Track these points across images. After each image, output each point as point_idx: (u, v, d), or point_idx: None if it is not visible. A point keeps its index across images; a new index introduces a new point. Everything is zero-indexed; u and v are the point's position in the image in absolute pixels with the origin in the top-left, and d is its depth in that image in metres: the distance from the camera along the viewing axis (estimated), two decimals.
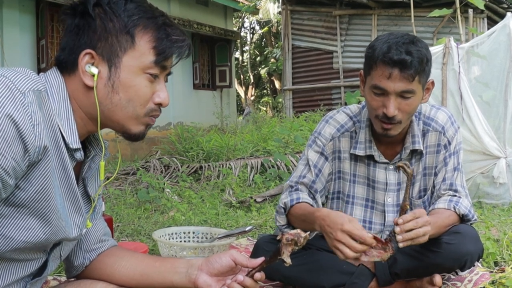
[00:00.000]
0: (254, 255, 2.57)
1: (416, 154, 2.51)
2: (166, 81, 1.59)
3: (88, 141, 1.61)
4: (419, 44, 2.26)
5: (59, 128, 1.40)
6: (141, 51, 1.47)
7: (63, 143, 1.42)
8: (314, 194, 2.54)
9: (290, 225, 2.49)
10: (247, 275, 1.64)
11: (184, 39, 1.54)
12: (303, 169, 2.58)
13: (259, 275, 1.63)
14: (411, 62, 2.18)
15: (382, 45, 2.25)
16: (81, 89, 1.47)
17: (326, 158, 2.56)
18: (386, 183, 2.51)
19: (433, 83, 2.40)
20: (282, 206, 2.50)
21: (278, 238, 1.68)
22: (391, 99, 2.23)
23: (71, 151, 1.45)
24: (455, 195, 2.45)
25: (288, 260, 1.63)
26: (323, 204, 2.62)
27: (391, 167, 2.50)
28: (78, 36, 1.45)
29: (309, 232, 1.68)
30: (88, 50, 1.44)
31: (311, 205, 2.45)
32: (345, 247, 1.98)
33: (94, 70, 1.44)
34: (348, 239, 1.97)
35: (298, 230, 1.65)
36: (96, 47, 1.45)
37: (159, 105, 1.54)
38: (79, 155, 1.48)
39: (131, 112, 1.49)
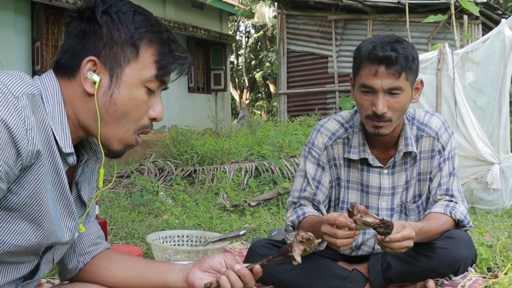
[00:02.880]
0: (248, 259, 2.57)
1: (410, 158, 2.51)
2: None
3: (81, 145, 1.60)
4: (405, 43, 2.30)
5: (53, 132, 1.40)
6: (143, 64, 1.47)
7: (56, 147, 1.41)
8: (317, 206, 2.55)
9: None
10: (246, 267, 1.62)
11: (186, 56, 1.54)
12: (303, 183, 2.58)
13: (258, 268, 1.62)
14: (397, 58, 2.22)
15: (368, 45, 2.30)
16: (79, 95, 1.46)
17: (323, 168, 2.56)
18: (380, 187, 2.51)
19: (422, 82, 2.44)
20: (290, 224, 2.51)
21: (290, 235, 1.65)
22: (379, 97, 2.26)
23: (63, 155, 1.45)
24: (452, 200, 2.46)
25: (298, 259, 1.60)
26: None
27: (385, 171, 2.50)
28: (83, 41, 1.44)
29: (320, 240, 1.68)
30: (92, 57, 1.43)
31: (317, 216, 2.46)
32: (330, 237, 2.01)
33: (96, 77, 1.43)
34: (329, 228, 2.02)
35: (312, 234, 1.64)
36: (100, 55, 1.44)
37: (153, 120, 1.54)
38: (72, 159, 1.47)
39: (122, 126, 1.49)
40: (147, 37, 1.47)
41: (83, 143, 1.61)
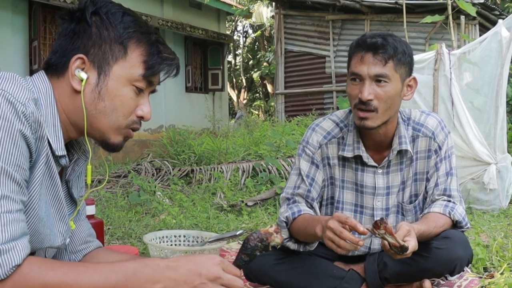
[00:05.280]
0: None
1: (406, 158, 2.51)
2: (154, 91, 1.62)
3: (70, 145, 1.63)
4: (398, 39, 2.35)
5: (47, 135, 1.43)
6: (131, 63, 1.50)
7: (49, 150, 1.44)
8: (311, 203, 2.54)
9: (292, 237, 2.49)
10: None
11: (174, 58, 1.58)
12: (297, 180, 2.58)
13: None
14: (383, 45, 2.26)
15: (360, 37, 2.37)
16: (68, 93, 1.49)
17: (317, 166, 2.56)
18: (375, 187, 2.51)
19: (415, 80, 2.44)
20: (284, 220, 2.48)
21: (282, 231, 1.63)
22: (366, 84, 2.28)
23: (56, 157, 1.48)
24: (450, 200, 2.46)
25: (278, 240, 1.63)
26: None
27: (380, 171, 2.50)
28: (72, 40, 1.48)
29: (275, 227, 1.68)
30: (80, 55, 1.47)
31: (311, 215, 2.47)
32: (335, 235, 2.00)
33: (83, 75, 1.47)
34: (337, 225, 2.00)
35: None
36: (89, 53, 1.48)
37: (141, 118, 1.57)
38: (64, 161, 1.51)
39: (114, 121, 1.52)
40: (135, 37, 1.51)
41: (73, 143, 1.64)
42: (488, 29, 9.70)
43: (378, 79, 2.27)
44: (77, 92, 1.48)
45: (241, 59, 29.19)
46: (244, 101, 28.78)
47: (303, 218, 2.42)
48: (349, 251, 2.02)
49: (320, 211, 2.61)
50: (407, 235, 2.03)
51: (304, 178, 2.55)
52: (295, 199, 2.55)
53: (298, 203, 2.53)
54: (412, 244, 2.02)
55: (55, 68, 1.50)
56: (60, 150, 1.47)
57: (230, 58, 27.49)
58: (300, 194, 2.54)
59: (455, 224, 2.44)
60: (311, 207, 2.53)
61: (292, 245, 2.49)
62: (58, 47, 1.50)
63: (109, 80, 1.48)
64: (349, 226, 1.98)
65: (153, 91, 1.61)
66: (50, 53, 1.53)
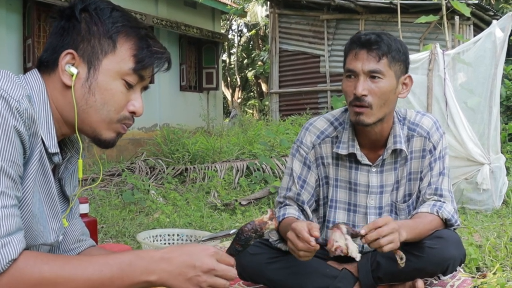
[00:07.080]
0: (238, 258, 2.57)
1: (400, 158, 2.52)
2: (147, 88, 1.63)
3: (63, 143, 1.63)
4: (393, 37, 2.38)
5: (40, 132, 1.43)
6: (121, 57, 1.51)
7: (43, 147, 1.45)
8: (302, 205, 2.58)
9: (283, 239, 2.50)
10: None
11: (164, 52, 1.58)
12: (289, 181, 2.62)
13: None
14: (377, 42, 2.30)
15: (355, 34, 2.41)
16: (59, 89, 1.50)
17: (310, 167, 2.58)
18: (368, 185, 2.53)
19: (410, 78, 2.46)
20: None
21: (271, 234, 1.68)
22: (360, 79, 2.31)
23: (49, 155, 1.48)
24: (440, 200, 2.47)
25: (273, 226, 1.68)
26: (315, 211, 2.65)
27: (374, 169, 2.51)
28: (62, 37, 1.50)
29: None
30: (70, 50, 1.48)
31: (296, 218, 2.50)
32: (293, 245, 2.11)
33: (74, 70, 1.48)
34: (294, 237, 2.11)
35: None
36: (78, 48, 1.49)
37: (133, 113, 1.57)
38: (57, 158, 1.52)
39: (105, 116, 1.52)
40: (124, 31, 1.52)
41: (66, 141, 1.64)
42: (482, 29, 9.73)
43: (372, 75, 2.29)
44: (68, 87, 1.49)
45: (235, 58, 29.16)
46: (239, 100, 28.77)
47: (285, 221, 2.48)
48: (309, 258, 2.15)
49: (318, 211, 2.63)
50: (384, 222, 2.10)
51: (296, 180, 2.58)
52: (286, 202, 2.60)
53: (288, 206, 2.58)
54: (383, 220, 2.11)
55: (47, 65, 1.51)
56: (53, 147, 1.47)
57: (224, 57, 27.49)
58: (291, 197, 2.59)
59: (446, 223, 2.45)
60: (303, 209, 2.56)
61: (283, 247, 2.50)
62: (49, 45, 1.52)
63: (99, 74, 1.49)
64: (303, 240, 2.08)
65: (146, 88, 1.62)
66: (42, 51, 1.54)
